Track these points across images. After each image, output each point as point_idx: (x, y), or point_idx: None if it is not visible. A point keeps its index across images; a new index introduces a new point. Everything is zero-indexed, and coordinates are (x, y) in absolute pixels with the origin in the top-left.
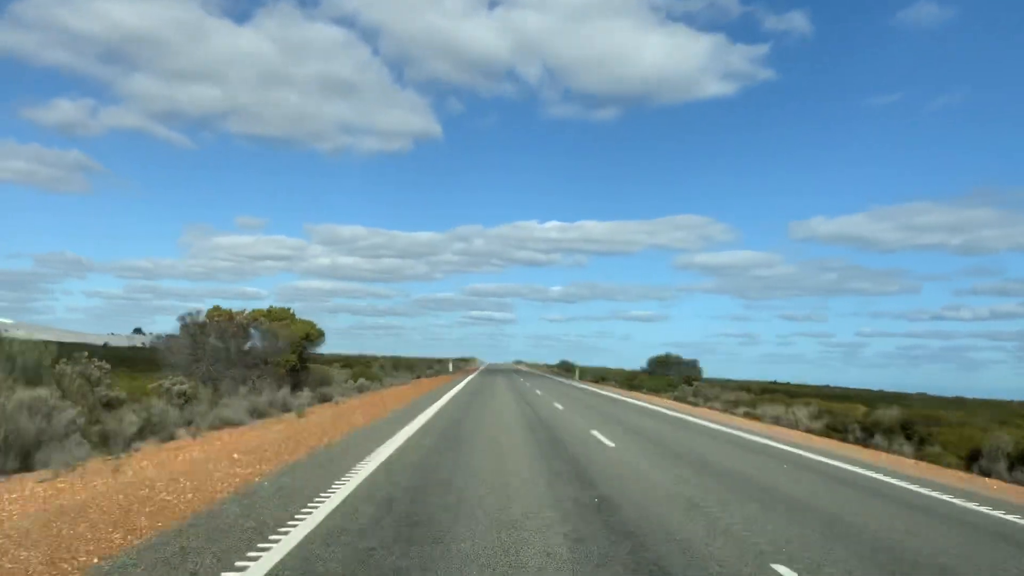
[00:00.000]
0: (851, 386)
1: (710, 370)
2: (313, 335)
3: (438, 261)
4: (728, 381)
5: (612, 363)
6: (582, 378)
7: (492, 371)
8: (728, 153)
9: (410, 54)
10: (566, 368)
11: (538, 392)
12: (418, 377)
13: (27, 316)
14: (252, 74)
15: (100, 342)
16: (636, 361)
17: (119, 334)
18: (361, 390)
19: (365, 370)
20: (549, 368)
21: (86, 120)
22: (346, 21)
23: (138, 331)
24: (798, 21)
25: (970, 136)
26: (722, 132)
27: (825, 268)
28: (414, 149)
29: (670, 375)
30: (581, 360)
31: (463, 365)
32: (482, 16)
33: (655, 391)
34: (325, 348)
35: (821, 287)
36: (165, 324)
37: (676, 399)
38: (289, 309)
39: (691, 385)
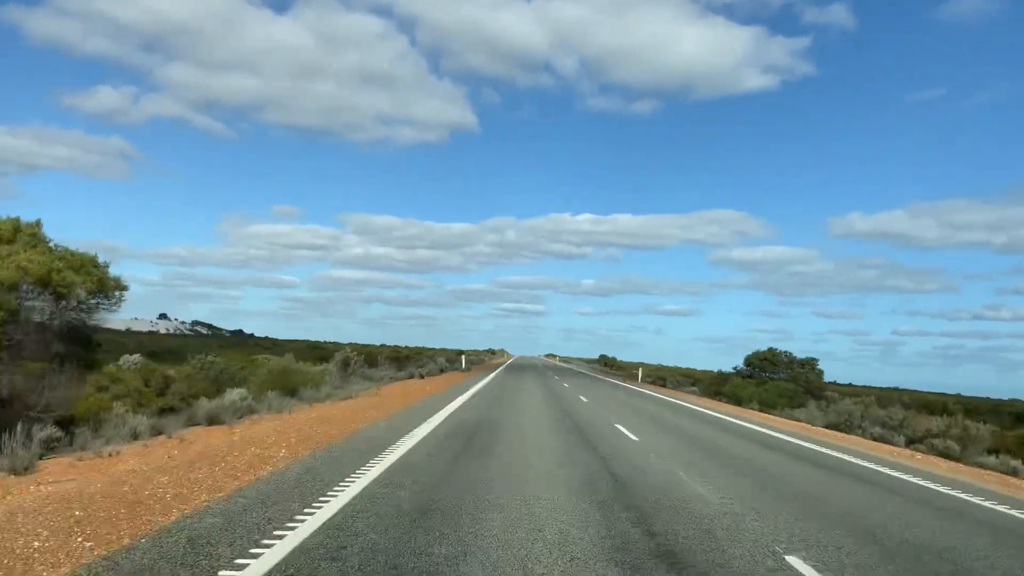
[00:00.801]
0: (886, 385)
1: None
2: (89, 283)
3: (471, 252)
4: (848, 386)
5: (643, 358)
6: (642, 380)
7: (520, 368)
8: (765, 147)
9: (447, 45)
10: (607, 363)
11: (621, 428)
12: (410, 376)
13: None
14: (290, 64)
15: (121, 327)
16: (667, 356)
17: (142, 319)
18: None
19: (296, 373)
20: (589, 365)
21: (127, 108)
22: (384, 11)
23: (163, 316)
24: (839, 14)
25: (1014, 132)
26: (760, 126)
27: (863, 265)
28: (449, 140)
29: (779, 378)
30: (614, 354)
31: (488, 358)
32: (519, 7)
33: (767, 405)
34: (351, 337)
35: (858, 284)
36: (201, 311)
37: (811, 423)
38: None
39: (818, 398)
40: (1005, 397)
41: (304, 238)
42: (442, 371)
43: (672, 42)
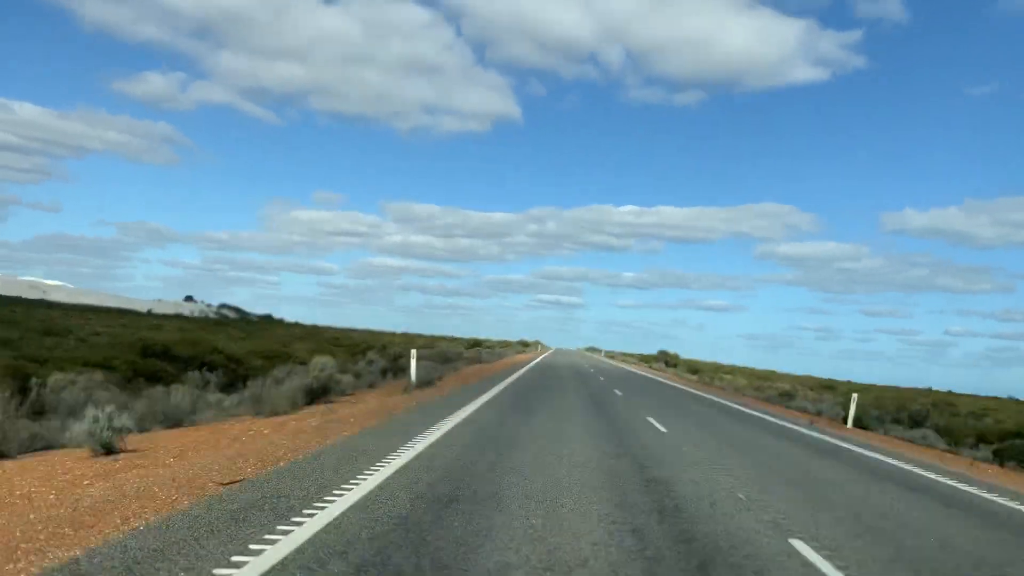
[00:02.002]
0: (939, 387)
1: (784, 365)
2: None
3: (511, 242)
4: None
5: (683, 353)
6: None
7: (549, 377)
8: (815, 141)
9: (492, 35)
10: (668, 362)
11: None
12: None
13: (110, 283)
14: (337, 53)
15: (144, 308)
16: (708, 351)
17: (166, 300)
18: None
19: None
20: (647, 363)
21: (175, 94)
22: (431, 2)
23: (189, 298)
24: (892, 7)
25: None
26: (810, 119)
27: (913, 263)
28: (492, 130)
29: None
30: (649, 348)
31: (508, 353)
32: None
33: None
34: (388, 325)
35: (907, 282)
36: (241, 295)
37: None
38: None
39: None
40: None
41: (344, 225)
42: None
43: (719, 34)
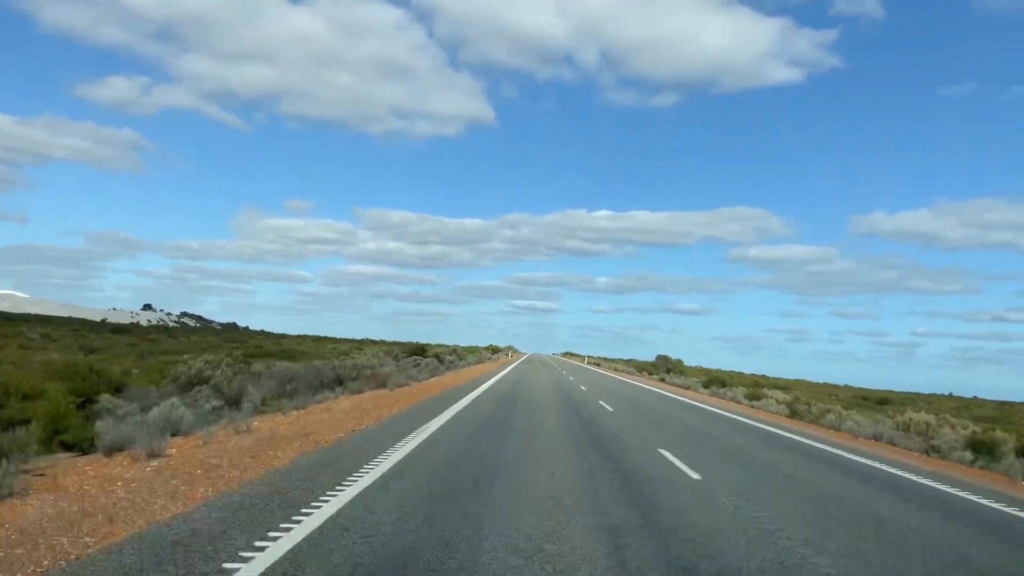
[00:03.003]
0: (905, 389)
1: (758, 367)
2: None
3: (485, 249)
4: None
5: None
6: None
7: (522, 405)
8: (789, 143)
9: (465, 36)
10: (670, 370)
11: None
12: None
13: (80, 294)
14: (305, 54)
15: (98, 317)
16: (682, 355)
17: (121, 310)
18: None
19: None
20: (647, 373)
21: (139, 98)
22: (401, 2)
23: (148, 307)
24: (870, 5)
25: None
26: (784, 121)
27: (884, 265)
28: (466, 134)
29: None
30: (625, 353)
31: (493, 356)
32: None
33: None
34: (362, 332)
35: (878, 284)
36: (212, 305)
37: None
38: None
39: None
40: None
41: (318, 232)
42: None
43: (696, 33)
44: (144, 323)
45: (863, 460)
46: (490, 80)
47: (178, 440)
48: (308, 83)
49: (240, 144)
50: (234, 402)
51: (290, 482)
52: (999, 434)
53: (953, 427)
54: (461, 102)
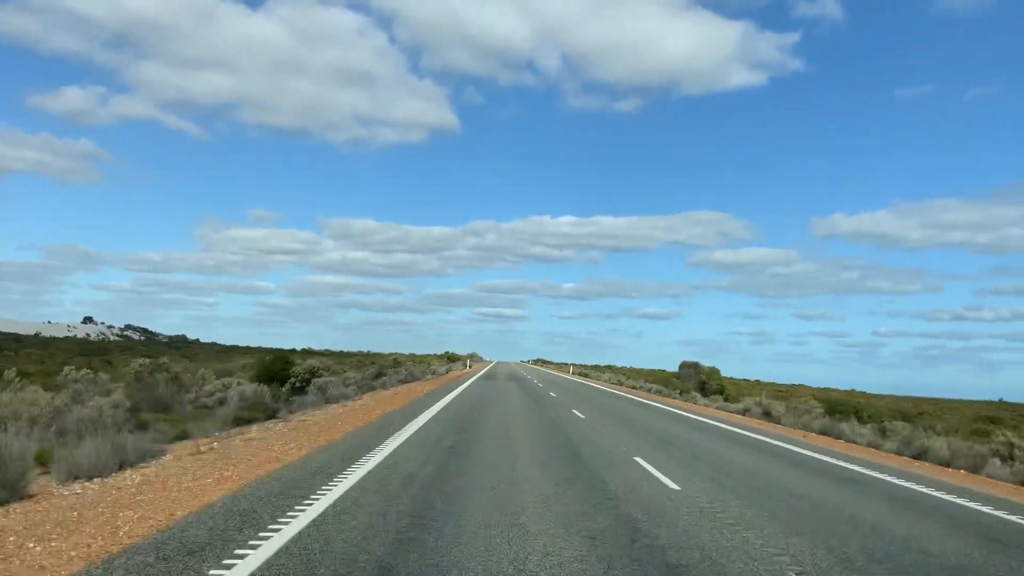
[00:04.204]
0: (869, 389)
1: (723, 370)
2: None
3: (451, 256)
4: None
5: (621, 362)
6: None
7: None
8: (751, 147)
9: (427, 42)
10: (704, 383)
11: None
12: None
13: (37, 309)
14: (265, 62)
15: (32, 331)
16: (645, 359)
17: (57, 322)
18: None
19: None
20: (677, 393)
21: (96, 109)
22: (362, 7)
23: (88, 320)
24: (831, 8)
25: (1003, 131)
26: (746, 125)
27: (844, 266)
28: (430, 141)
29: None
30: (591, 359)
31: (451, 366)
32: (501, 1)
33: None
34: (328, 344)
35: (839, 285)
36: (173, 318)
37: None
38: None
39: None
40: (983, 398)
41: (282, 242)
42: None
43: (658, 37)
44: (81, 336)
45: None
46: (453, 87)
47: None
48: (268, 91)
49: (200, 154)
50: None
51: None
52: None
53: None
54: (424, 109)
